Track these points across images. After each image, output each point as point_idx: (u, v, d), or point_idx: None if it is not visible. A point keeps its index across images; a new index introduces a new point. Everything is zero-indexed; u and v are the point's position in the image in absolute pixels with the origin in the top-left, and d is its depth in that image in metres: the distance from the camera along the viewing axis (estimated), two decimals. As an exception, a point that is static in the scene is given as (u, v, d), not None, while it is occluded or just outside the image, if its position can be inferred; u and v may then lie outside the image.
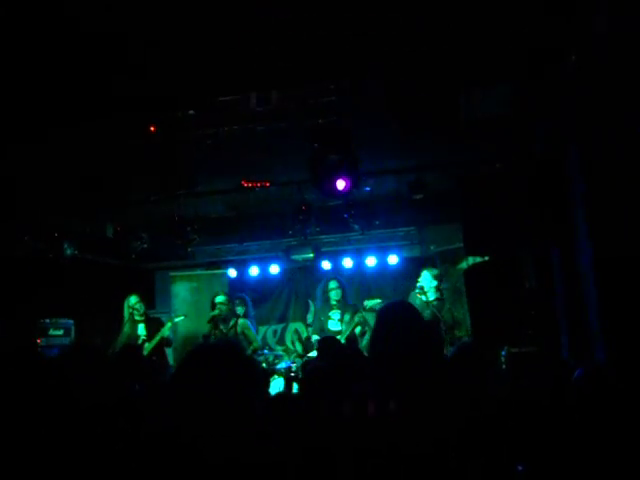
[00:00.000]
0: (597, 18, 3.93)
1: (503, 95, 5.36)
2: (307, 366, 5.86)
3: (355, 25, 4.83)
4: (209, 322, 8.68)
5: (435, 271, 8.44)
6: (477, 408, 3.26)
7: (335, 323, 8.95)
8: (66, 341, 9.04)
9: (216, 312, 8.59)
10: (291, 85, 5.79)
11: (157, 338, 8.05)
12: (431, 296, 8.16)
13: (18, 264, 8.12)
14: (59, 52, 4.91)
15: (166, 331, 8.20)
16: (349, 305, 9.07)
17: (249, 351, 8.55)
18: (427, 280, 8.27)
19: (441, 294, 8.26)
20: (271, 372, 8.33)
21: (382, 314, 2.85)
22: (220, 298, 8.73)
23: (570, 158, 5.32)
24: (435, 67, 5.23)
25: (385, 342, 2.64)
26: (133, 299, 8.30)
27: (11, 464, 2.71)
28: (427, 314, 8.00)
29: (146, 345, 8.00)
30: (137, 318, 8.25)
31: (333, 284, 9.15)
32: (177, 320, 8.89)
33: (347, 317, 8.87)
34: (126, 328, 8.20)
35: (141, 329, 8.22)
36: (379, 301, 9.19)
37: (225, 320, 8.58)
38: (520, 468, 2.99)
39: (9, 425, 2.86)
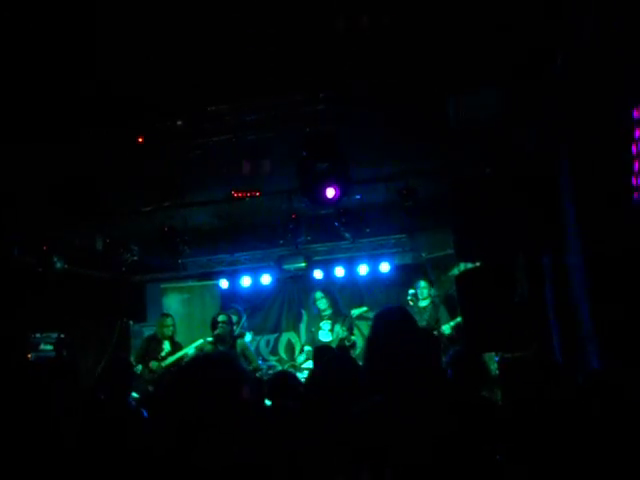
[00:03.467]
0: (585, 19, 3.94)
1: (491, 98, 5.36)
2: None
3: (344, 33, 4.83)
4: (213, 343, 8.67)
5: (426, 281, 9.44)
6: (473, 413, 3.24)
7: (326, 334, 8.98)
8: (57, 356, 8.98)
9: (219, 331, 8.56)
10: (279, 93, 5.78)
11: (179, 354, 8.70)
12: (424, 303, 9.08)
13: (6, 278, 8.05)
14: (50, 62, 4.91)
15: (191, 349, 8.80)
16: (340, 316, 9.09)
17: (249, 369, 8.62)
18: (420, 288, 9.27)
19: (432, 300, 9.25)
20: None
21: (378, 319, 2.81)
22: (222, 317, 8.76)
23: (560, 160, 5.32)
24: (422, 72, 5.23)
25: (383, 348, 2.60)
26: (170, 320, 9.16)
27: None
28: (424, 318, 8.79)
29: (169, 358, 8.72)
30: (160, 336, 8.99)
31: (318, 295, 9.30)
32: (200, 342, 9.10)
33: (337, 327, 8.91)
34: (150, 342, 9.03)
35: (167, 344, 8.92)
36: (365, 309, 9.49)
37: (223, 340, 8.52)
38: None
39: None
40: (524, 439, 3.33)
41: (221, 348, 8.52)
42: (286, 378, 4.93)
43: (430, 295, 9.34)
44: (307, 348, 9.14)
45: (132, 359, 8.95)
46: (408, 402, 2.39)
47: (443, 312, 9.19)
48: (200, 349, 8.77)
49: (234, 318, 9.44)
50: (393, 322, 2.71)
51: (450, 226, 6.53)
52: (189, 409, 1.91)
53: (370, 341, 2.79)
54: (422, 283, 9.44)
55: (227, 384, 1.97)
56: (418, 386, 2.47)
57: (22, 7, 4.23)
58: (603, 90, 4.15)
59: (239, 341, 8.76)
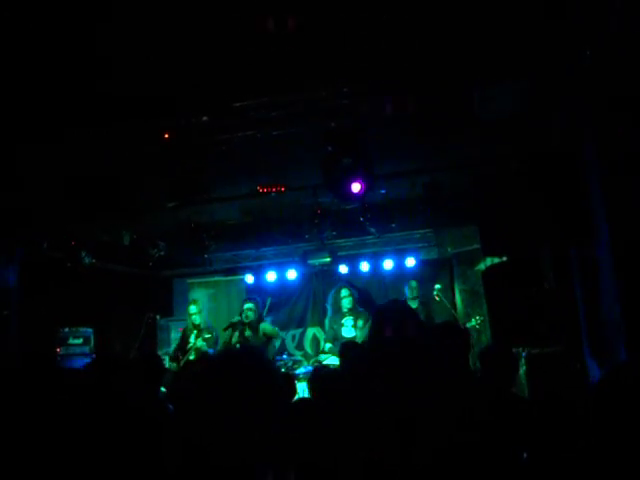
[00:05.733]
0: (613, 9, 3.88)
1: (518, 92, 5.30)
2: (318, 372, 5.81)
3: (367, 26, 4.81)
4: (226, 328, 8.81)
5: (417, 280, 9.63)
6: (498, 408, 3.21)
7: (349, 330, 8.93)
8: (85, 350, 9.07)
9: (236, 319, 8.67)
10: (303, 89, 5.78)
11: (193, 347, 8.74)
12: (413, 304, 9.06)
13: (36, 272, 8.18)
14: (72, 58, 4.96)
15: (199, 342, 8.76)
16: (361, 312, 9.05)
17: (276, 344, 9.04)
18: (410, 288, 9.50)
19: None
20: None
21: (375, 316, 2.78)
22: (248, 305, 8.89)
23: (587, 154, 5.25)
24: (448, 65, 5.19)
25: (380, 343, 2.57)
26: (193, 308, 9.14)
27: (30, 470, 2.70)
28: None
29: (192, 351, 8.79)
30: (190, 327, 9.02)
31: (344, 292, 9.17)
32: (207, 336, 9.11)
33: (360, 323, 8.86)
34: (183, 333, 9.17)
35: (192, 337, 8.93)
36: None
37: (251, 326, 8.64)
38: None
39: (28, 432, 2.86)
40: (550, 436, 3.29)
41: (248, 333, 8.63)
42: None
43: (419, 296, 9.44)
44: (328, 345, 9.11)
45: (162, 353, 9.21)
46: (428, 398, 2.37)
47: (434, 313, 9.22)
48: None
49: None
50: (387, 318, 2.67)
51: (476, 221, 6.49)
52: (215, 406, 1.91)
53: (369, 339, 2.75)
54: (413, 283, 9.52)
55: (254, 380, 1.97)
56: (436, 381, 2.44)
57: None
58: (631, 74, 4.08)
59: (262, 325, 8.88)
